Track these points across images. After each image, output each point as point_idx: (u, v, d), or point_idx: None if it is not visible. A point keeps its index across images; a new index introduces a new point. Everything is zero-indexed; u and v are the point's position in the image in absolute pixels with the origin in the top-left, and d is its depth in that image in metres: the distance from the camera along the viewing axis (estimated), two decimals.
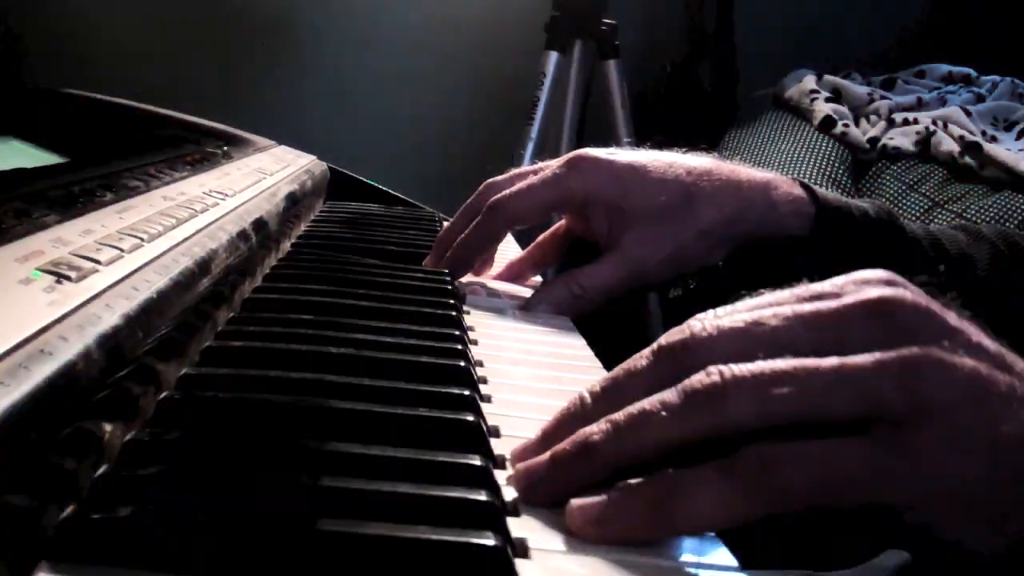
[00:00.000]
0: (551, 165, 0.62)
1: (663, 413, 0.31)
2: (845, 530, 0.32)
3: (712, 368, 0.31)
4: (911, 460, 0.29)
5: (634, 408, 0.32)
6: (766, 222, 0.61)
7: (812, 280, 0.34)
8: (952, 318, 0.32)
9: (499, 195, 0.61)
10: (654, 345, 0.34)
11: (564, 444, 0.33)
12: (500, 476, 0.33)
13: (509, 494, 0.32)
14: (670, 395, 0.31)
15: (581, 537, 0.30)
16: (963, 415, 0.29)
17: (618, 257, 0.61)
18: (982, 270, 0.63)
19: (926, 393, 0.29)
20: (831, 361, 0.30)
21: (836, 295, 0.33)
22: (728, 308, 0.34)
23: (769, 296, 0.34)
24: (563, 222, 0.69)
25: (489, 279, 0.68)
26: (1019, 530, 0.29)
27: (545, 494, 0.32)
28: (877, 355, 0.30)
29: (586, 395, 0.35)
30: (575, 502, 0.30)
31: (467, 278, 0.65)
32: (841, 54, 1.84)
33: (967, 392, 0.29)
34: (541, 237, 0.71)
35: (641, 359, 0.34)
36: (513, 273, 0.69)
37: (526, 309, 0.60)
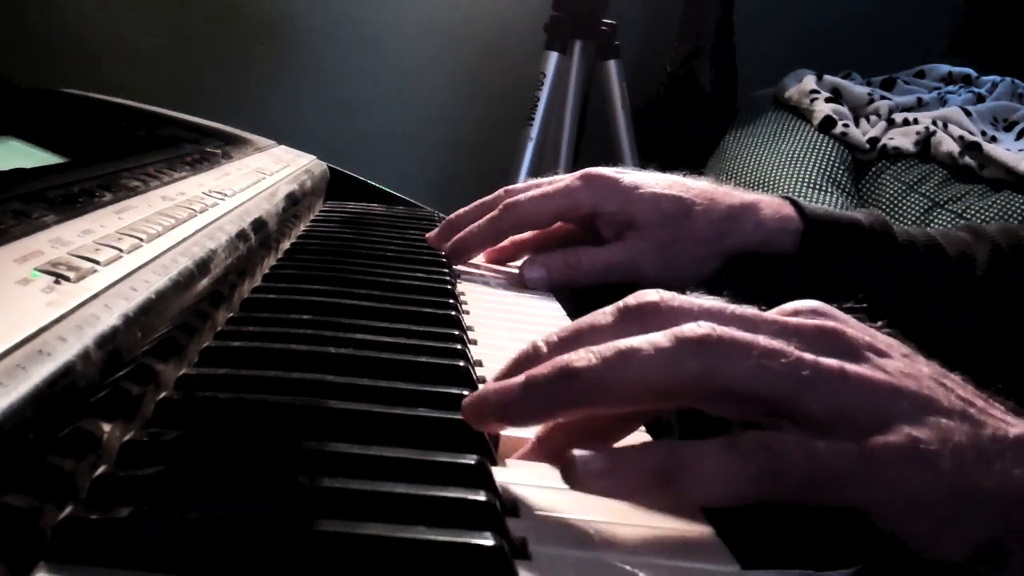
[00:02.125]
0: (565, 178, 0.69)
1: (651, 351, 0.30)
2: (832, 530, 0.32)
3: (703, 322, 0.30)
4: (871, 466, 0.29)
5: (619, 343, 0.30)
6: (754, 240, 0.66)
7: (799, 296, 0.35)
8: (881, 343, 0.33)
9: (515, 197, 0.68)
10: (619, 303, 0.33)
11: (539, 368, 0.31)
12: (499, 476, 0.32)
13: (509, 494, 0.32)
14: (658, 337, 0.30)
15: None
16: (917, 430, 0.29)
17: (619, 245, 0.67)
18: (981, 270, 0.64)
19: (882, 408, 0.30)
20: (810, 355, 0.30)
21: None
22: (693, 295, 0.34)
23: (724, 302, 0.34)
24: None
25: (481, 260, 0.73)
26: (978, 537, 0.29)
27: (518, 415, 0.31)
28: (844, 364, 0.30)
29: (540, 343, 0.33)
30: (577, 453, 0.29)
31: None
32: (841, 54, 1.84)
33: (915, 407, 0.30)
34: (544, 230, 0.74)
35: (605, 315, 0.33)
36: (512, 250, 0.73)
37: (522, 273, 0.67)
